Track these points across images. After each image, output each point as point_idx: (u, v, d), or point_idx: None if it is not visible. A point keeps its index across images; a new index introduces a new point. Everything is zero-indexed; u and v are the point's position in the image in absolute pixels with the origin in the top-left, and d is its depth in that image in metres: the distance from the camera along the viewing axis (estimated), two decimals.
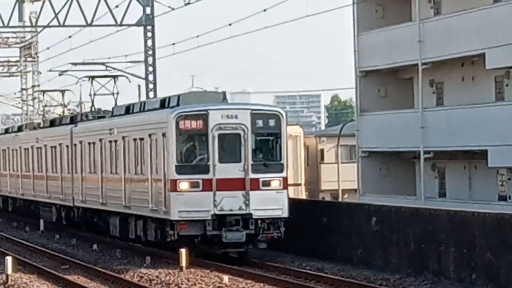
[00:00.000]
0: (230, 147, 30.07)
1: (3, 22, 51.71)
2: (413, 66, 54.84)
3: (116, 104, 48.33)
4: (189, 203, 30.40)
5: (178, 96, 32.69)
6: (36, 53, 74.36)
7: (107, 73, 56.59)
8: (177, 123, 29.92)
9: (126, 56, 60.62)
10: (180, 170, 30.60)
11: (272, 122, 30.12)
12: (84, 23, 52.51)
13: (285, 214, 30.89)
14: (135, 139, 35.73)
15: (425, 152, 54.68)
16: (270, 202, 30.54)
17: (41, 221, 57.18)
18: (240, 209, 29.92)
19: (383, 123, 59.16)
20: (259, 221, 30.12)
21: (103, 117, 46.10)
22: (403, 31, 53.34)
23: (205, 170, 30.31)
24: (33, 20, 52.39)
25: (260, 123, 29.97)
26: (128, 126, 37.25)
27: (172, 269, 33.45)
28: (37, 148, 52.27)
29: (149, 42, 53.34)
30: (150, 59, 52.83)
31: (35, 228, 55.89)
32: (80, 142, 44.46)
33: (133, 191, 36.60)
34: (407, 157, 60.66)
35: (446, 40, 50.45)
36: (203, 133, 30.15)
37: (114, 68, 56.91)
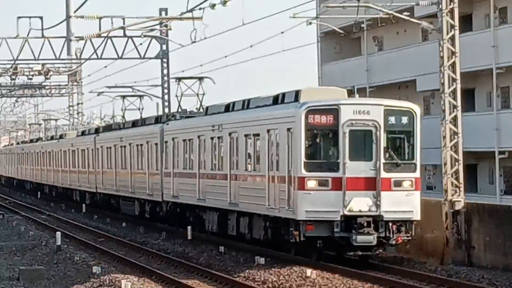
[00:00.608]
0: (361, 144, 22.66)
1: (55, 56, 51.61)
2: (362, 89, 54.77)
3: (201, 104, 41.33)
4: (317, 202, 22.24)
5: (297, 92, 25.14)
6: (80, 79, 74.06)
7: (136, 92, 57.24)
8: (306, 118, 22.45)
9: (147, 81, 60.01)
10: (308, 167, 22.49)
11: (405, 120, 23.16)
12: (116, 56, 52.20)
13: (417, 216, 22.95)
14: (246, 135, 27.55)
15: None
16: (401, 203, 22.57)
17: (83, 205, 56.08)
18: (370, 210, 22.21)
19: None
20: (390, 223, 22.43)
21: (192, 116, 38.85)
22: (354, 62, 53.30)
23: (335, 168, 22.48)
24: (78, 54, 52.11)
25: (392, 120, 22.93)
26: (236, 123, 28.99)
27: (182, 241, 33.41)
28: (121, 146, 45.87)
29: (165, 71, 53.14)
30: (165, 83, 53.09)
31: (79, 210, 55.58)
32: (173, 139, 36.26)
33: (241, 188, 27.99)
34: None
35: (387, 70, 50.56)
36: (333, 129, 22.60)
37: (138, 90, 56.64)
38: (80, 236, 37.48)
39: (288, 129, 23.57)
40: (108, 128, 54.34)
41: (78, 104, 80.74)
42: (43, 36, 48.01)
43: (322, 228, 22.43)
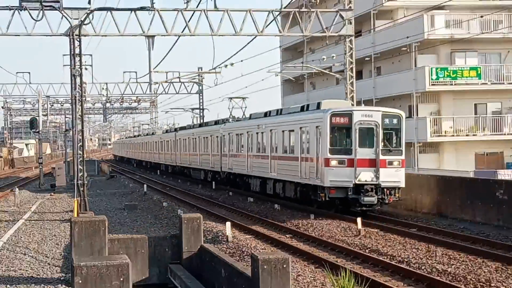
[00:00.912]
0: (366, 137, 18.92)
1: (143, 92, 51.84)
2: None
3: (244, 114, 35.68)
4: (337, 175, 18.66)
5: (319, 103, 21.56)
6: (156, 104, 73.56)
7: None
8: (330, 119, 18.84)
9: (191, 105, 59.68)
10: (331, 152, 18.78)
11: (395, 121, 19.21)
12: (175, 92, 51.87)
13: (402, 184, 19.06)
14: (283, 131, 23.13)
15: None
16: (392, 176, 18.77)
17: (158, 170, 54.83)
18: (372, 180, 18.53)
19: None
20: (385, 189, 18.69)
21: (239, 120, 33.40)
22: (300, 96, 52.67)
23: (349, 152, 18.71)
24: (155, 91, 51.89)
25: (387, 121, 19.07)
26: (275, 123, 24.27)
27: (210, 189, 33.43)
28: (193, 138, 40.86)
29: (201, 100, 53.01)
30: (201, 106, 53.41)
31: (155, 173, 54.51)
32: (228, 134, 31.16)
33: (279, 164, 23.33)
34: None
35: (318, 100, 50.19)
36: (348, 127, 18.82)
37: (186, 109, 56.43)
38: (156, 187, 37.36)
39: (317, 127, 19.60)
40: (183, 128, 50.62)
41: (155, 117, 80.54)
42: (136, 82, 48.05)
43: (340, 192, 18.58)
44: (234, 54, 66.31)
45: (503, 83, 32.80)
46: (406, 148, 20.64)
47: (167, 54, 26.67)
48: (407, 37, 32.12)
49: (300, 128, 21.27)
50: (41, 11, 20.15)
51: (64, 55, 22.87)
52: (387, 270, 11.79)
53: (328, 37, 24.33)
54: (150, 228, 18.17)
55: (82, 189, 21.39)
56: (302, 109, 22.95)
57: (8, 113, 71.16)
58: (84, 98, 22.64)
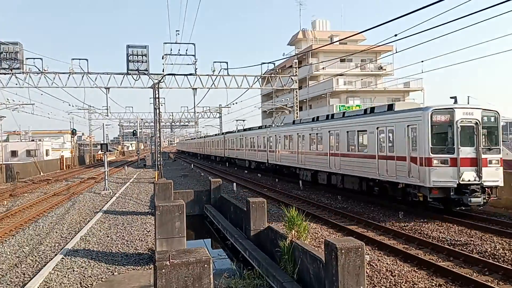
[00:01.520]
0: (468, 135, 8.84)
1: (191, 116, 50.40)
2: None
3: (281, 122, 25.86)
4: (441, 175, 8.69)
5: (389, 105, 11.02)
6: (197, 123, 69.44)
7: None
8: (431, 117, 8.85)
9: (218, 123, 58.49)
10: (433, 151, 8.80)
11: (492, 119, 9.07)
12: (207, 117, 50.49)
13: (501, 183, 8.97)
14: (348, 132, 12.16)
15: None
16: (493, 175, 8.85)
17: (198, 156, 50.69)
18: (475, 180, 8.77)
19: None
20: (487, 189, 8.84)
21: (280, 126, 20.12)
22: (270, 119, 51.22)
23: (451, 151, 8.78)
24: (197, 118, 50.91)
25: (486, 119, 9.00)
26: (336, 125, 12.89)
27: (249, 173, 31.12)
28: (239, 138, 29.35)
29: (221, 121, 52.02)
30: (220, 124, 52.61)
31: (198, 159, 51.04)
32: (275, 136, 19.11)
33: (342, 161, 12.42)
34: None
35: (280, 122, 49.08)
36: (449, 124, 8.83)
37: (213, 126, 55.50)
38: (198, 166, 35.37)
39: (408, 126, 9.81)
40: (230, 132, 36.87)
41: (197, 130, 78.14)
42: (188, 111, 47.36)
43: (442, 192, 9.28)
44: (238, 98, 67.09)
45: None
46: None
47: (203, 97, 27.89)
48: (325, 89, 33.20)
49: (377, 128, 10.97)
50: (138, 75, 20.52)
51: (150, 97, 23.05)
52: (315, 207, 11.91)
53: (285, 89, 24.42)
54: (195, 186, 17.78)
55: (159, 166, 21.50)
56: (365, 112, 12.21)
57: (121, 127, 70.13)
58: (160, 120, 22.67)
